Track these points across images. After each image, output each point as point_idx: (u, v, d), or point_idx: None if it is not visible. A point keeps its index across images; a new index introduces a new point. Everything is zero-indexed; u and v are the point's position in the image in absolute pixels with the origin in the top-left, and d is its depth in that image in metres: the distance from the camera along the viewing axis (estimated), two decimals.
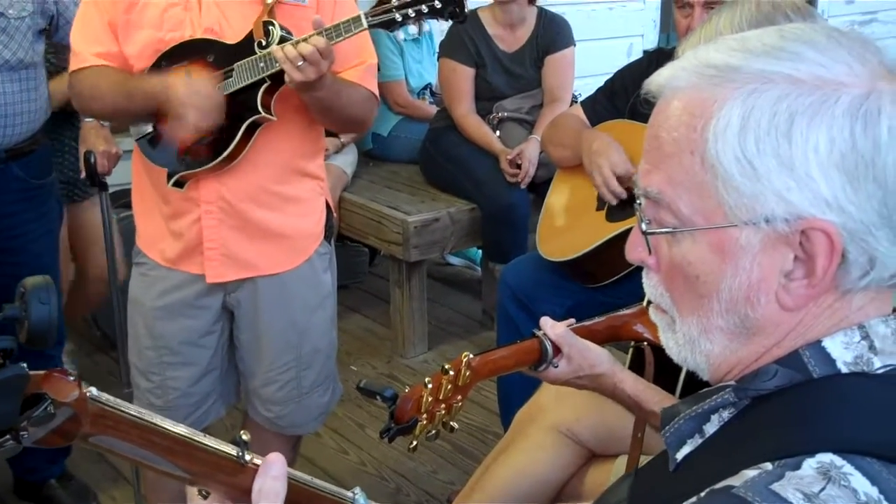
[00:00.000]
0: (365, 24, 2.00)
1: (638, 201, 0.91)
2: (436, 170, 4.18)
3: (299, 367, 2.36)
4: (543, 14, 4.08)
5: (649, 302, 0.98)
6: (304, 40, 1.99)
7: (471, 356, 1.61)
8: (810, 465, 0.77)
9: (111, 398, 0.82)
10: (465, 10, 2.00)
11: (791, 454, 0.79)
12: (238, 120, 2.10)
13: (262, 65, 2.05)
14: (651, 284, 0.93)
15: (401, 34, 4.27)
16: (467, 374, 1.59)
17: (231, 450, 0.86)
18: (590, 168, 2.68)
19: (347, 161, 4.22)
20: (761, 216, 0.82)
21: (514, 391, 2.73)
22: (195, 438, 0.85)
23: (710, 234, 0.85)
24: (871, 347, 0.85)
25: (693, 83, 0.86)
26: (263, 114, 2.09)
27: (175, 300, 2.28)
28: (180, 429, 0.85)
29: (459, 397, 1.61)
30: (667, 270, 0.90)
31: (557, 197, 2.96)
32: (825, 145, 0.80)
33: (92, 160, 2.78)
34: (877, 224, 0.82)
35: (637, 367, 1.81)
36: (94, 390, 0.80)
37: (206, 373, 2.35)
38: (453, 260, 5.00)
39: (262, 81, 2.07)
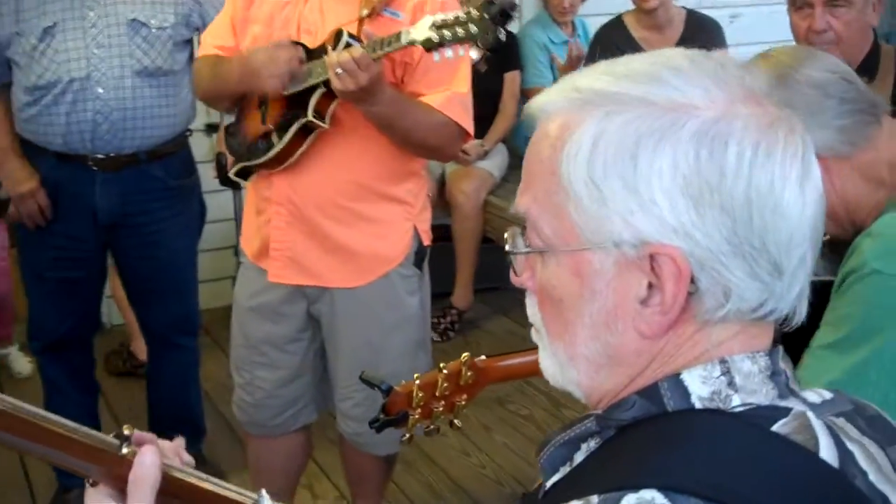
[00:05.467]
0: (404, 42, 1.98)
1: (521, 224, 0.91)
2: None
3: None
4: (693, 16, 3.97)
5: None
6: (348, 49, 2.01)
7: (477, 358, 1.61)
8: (629, 500, 0.75)
9: None
10: (500, 38, 1.94)
11: (619, 487, 0.76)
12: (292, 121, 2.14)
13: (319, 69, 2.08)
14: (529, 305, 0.93)
15: (546, 38, 4.31)
16: (469, 374, 1.60)
17: (112, 442, 0.91)
18: None
19: (495, 164, 4.26)
20: (610, 240, 0.81)
21: None
22: (71, 431, 0.90)
23: (569, 256, 0.84)
24: (731, 384, 0.81)
25: (560, 106, 0.86)
26: (312, 118, 2.11)
27: (261, 303, 2.36)
28: (51, 417, 0.89)
29: (464, 396, 1.62)
30: (539, 292, 0.90)
31: None
32: (669, 169, 0.79)
33: (223, 161, 2.94)
34: (727, 253, 0.79)
35: None
36: None
37: (294, 378, 2.40)
38: None
39: (318, 86, 2.10)
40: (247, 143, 2.26)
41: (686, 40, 3.92)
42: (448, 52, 1.94)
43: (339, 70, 1.98)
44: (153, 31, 2.78)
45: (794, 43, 2.34)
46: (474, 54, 1.97)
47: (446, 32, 1.92)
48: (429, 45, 1.95)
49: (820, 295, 1.52)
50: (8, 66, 2.79)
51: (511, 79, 4.35)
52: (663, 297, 0.80)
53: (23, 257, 3.04)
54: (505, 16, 1.92)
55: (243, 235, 2.45)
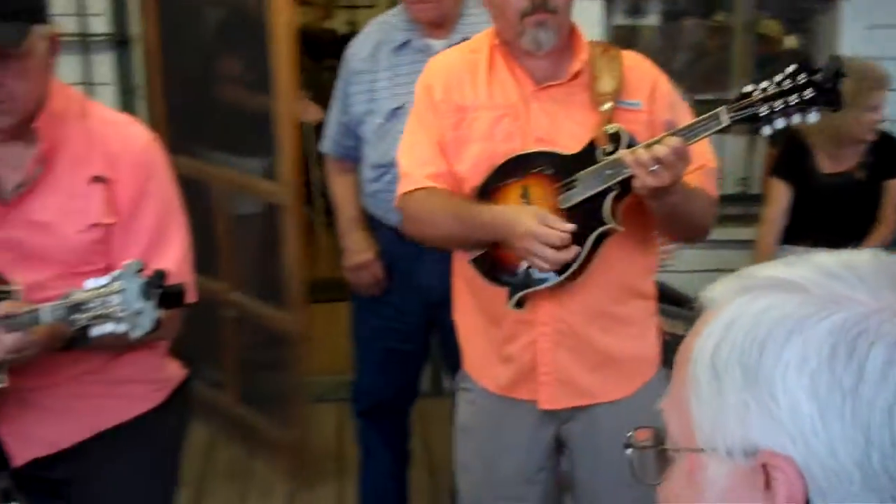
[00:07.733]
0: (725, 121, 1.80)
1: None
2: None
3: None
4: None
5: None
6: (657, 142, 1.83)
7: None
8: None
9: None
10: (842, 98, 1.75)
11: None
12: (584, 233, 1.95)
13: (608, 172, 1.92)
14: None
15: None
16: None
17: None
18: None
19: None
20: (722, 443, 0.68)
21: None
22: None
23: (687, 458, 0.73)
24: None
25: (723, 294, 0.75)
26: (613, 224, 1.95)
27: (512, 433, 2.17)
28: None
29: None
30: (663, 502, 0.79)
31: None
32: (796, 363, 0.65)
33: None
34: (856, 480, 0.62)
35: None
36: None
37: None
38: None
39: (609, 190, 1.93)
40: (517, 269, 2.04)
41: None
42: (779, 123, 1.78)
43: (654, 167, 1.82)
44: (385, 124, 2.82)
45: None
46: (812, 118, 1.77)
47: (776, 103, 1.77)
48: (756, 121, 1.79)
49: None
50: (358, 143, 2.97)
51: (893, 187, 3.92)
52: None
53: (355, 323, 3.20)
54: (839, 73, 1.75)
55: (472, 366, 2.23)
